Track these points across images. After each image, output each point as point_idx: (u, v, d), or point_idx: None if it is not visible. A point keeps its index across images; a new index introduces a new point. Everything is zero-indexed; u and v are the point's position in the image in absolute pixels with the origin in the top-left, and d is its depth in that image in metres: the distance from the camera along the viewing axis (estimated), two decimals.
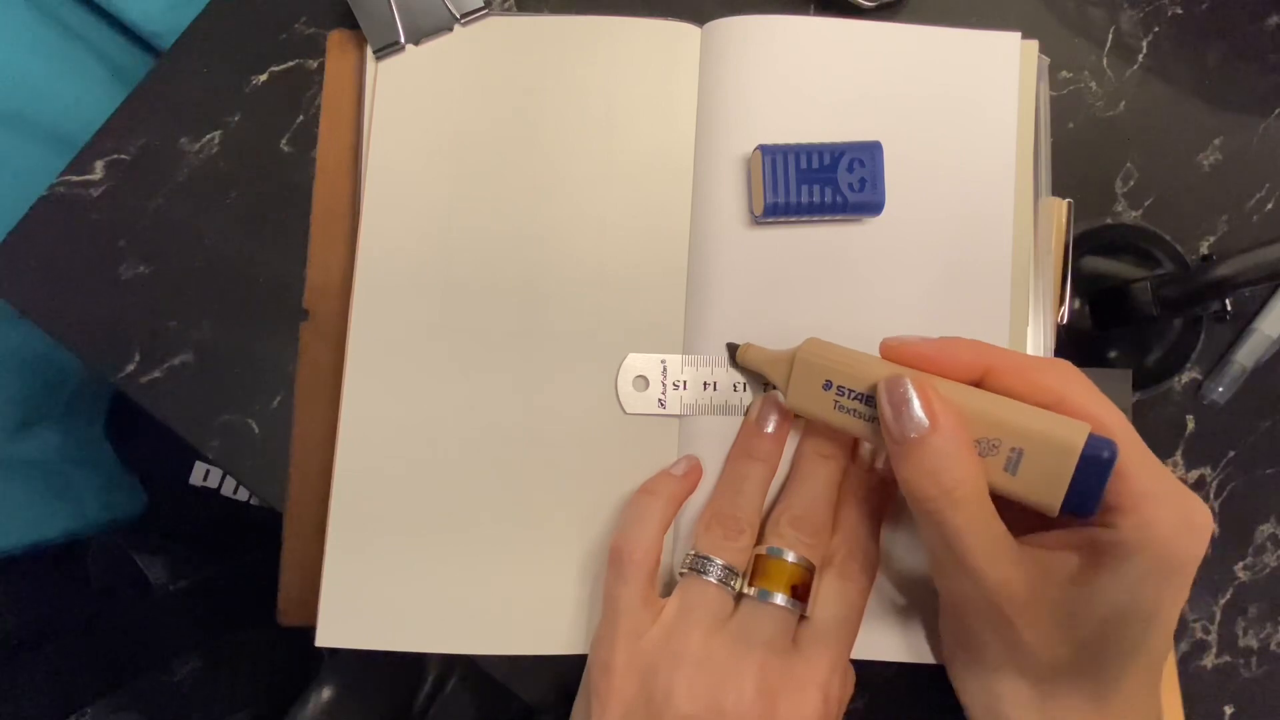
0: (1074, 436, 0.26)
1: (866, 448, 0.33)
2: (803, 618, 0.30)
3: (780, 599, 0.29)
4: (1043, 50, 0.36)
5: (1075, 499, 0.26)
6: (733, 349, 0.34)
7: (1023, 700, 0.28)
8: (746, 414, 0.34)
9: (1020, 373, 0.28)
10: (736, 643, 0.29)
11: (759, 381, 0.34)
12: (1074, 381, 0.28)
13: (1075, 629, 0.26)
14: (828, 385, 0.30)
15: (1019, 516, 0.28)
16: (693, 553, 0.31)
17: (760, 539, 0.32)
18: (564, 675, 0.36)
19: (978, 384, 0.29)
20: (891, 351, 0.30)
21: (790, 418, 0.33)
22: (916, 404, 0.27)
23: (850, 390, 0.30)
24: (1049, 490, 0.26)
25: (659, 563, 0.32)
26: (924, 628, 0.34)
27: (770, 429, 0.33)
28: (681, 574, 0.31)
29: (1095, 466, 0.26)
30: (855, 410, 0.30)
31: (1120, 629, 0.26)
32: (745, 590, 0.30)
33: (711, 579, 0.30)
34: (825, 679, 0.29)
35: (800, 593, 0.30)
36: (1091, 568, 0.26)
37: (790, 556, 0.30)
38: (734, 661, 0.29)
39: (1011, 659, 0.28)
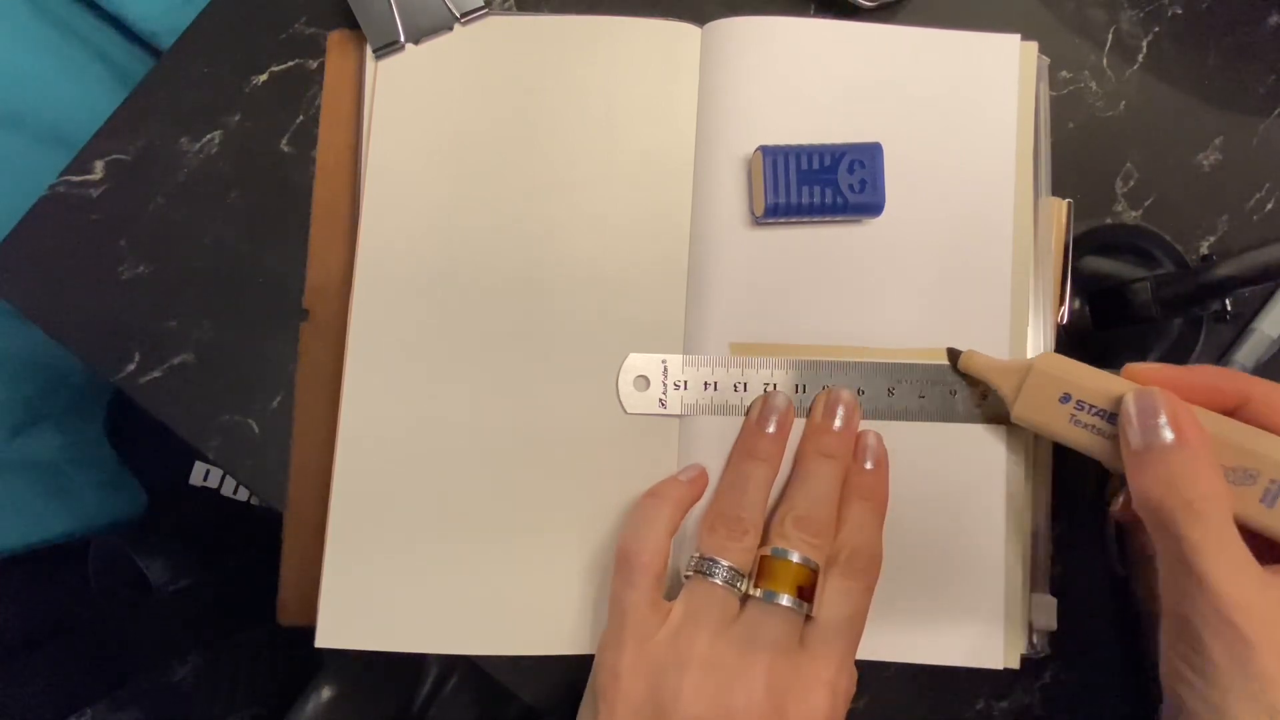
0: None
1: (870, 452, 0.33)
2: (808, 618, 0.30)
3: (786, 600, 0.29)
4: (1043, 50, 0.36)
5: None
6: (954, 354, 0.33)
7: None
8: (748, 414, 0.34)
9: None
10: (744, 644, 0.29)
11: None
12: None
13: None
14: (1065, 399, 0.30)
15: (1263, 549, 0.27)
16: (698, 555, 0.31)
17: (764, 539, 0.31)
18: (565, 675, 0.36)
19: (1231, 413, 0.28)
20: (1138, 375, 0.29)
21: (791, 417, 0.33)
22: (1164, 417, 0.27)
23: (1091, 405, 0.29)
24: None
25: (666, 566, 0.32)
26: (924, 628, 0.34)
27: (772, 429, 0.33)
28: (687, 576, 0.31)
29: None
30: (1094, 426, 0.29)
31: None
32: (751, 592, 0.30)
33: (717, 581, 0.30)
34: (833, 678, 0.29)
35: (806, 593, 0.30)
36: None
37: (795, 557, 0.30)
38: (742, 663, 0.29)
39: (1247, 685, 0.26)
